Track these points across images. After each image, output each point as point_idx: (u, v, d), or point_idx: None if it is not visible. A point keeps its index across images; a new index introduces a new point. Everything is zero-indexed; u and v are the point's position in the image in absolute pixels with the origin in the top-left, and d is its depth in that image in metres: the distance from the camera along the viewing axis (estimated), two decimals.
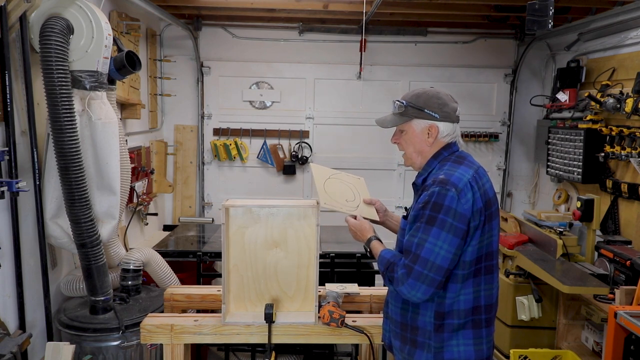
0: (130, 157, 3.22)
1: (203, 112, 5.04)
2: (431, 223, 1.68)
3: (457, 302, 1.77)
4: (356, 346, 3.39)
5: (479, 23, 4.82)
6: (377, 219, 2.18)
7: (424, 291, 1.70)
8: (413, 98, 1.88)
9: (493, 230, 1.81)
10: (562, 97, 4.27)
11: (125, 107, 3.80)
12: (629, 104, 3.40)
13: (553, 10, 2.82)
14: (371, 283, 3.68)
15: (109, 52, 2.62)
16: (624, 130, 3.54)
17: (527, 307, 3.41)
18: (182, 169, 5.12)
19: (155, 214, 4.60)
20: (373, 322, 2.19)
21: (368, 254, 2.02)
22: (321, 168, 2.27)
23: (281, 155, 5.09)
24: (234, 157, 5.04)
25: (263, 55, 4.98)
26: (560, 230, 3.53)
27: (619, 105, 3.52)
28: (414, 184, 1.96)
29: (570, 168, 4.12)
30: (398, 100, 1.91)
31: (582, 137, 3.93)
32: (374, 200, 2.22)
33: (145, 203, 4.18)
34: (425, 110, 1.85)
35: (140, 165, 4.09)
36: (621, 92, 3.62)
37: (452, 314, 1.77)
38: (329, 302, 2.22)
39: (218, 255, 3.61)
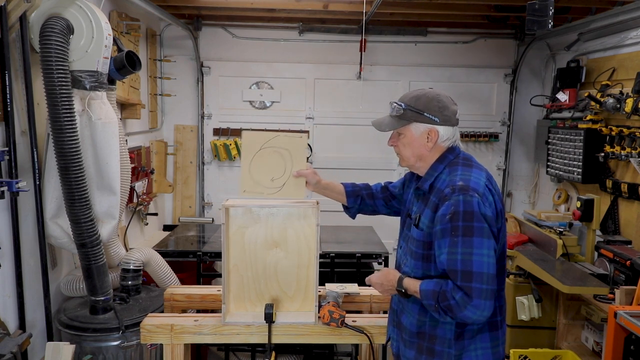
0: (130, 157, 3.22)
1: (203, 112, 5.04)
2: (469, 234, 1.62)
3: None
4: (356, 346, 3.39)
5: (479, 23, 4.82)
6: (301, 197, 2.10)
7: (489, 307, 1.62)
8: (412, 100, 1.80)
9: (505, 231, 1.80)
10: (562, 97, 4.27)
11: (125, 107, 3.80)
12: (629, 104, 3.40)
13: (553, 10, 2.82)
14: None
15: (109, 52, 2.62)
16: (624, 130, 3.53)
17: (527, 307, 3.41)
18: (182, 169, 5.12)
19: (155, 214, 4.60)
20: (373, 322, 2.19)
21: (404, 296, 1.84)
22: (254, 136, 2.09)
23: None
24: (234, 157, 5.04)
25: (263, 55, 4.98)
26: (560, 230, 3.53)
27: (618, 105, 3.52)
28: (417, 189, 1.87)
29: (570, 168, 4.12)
30: (396, 103, 1.83)
31: (582, 137, 3.93)
32: (303, 172, 2.08)
33: (145, 203, 4.18)
34: (425, 114, 1.77)
35: (140, 165, 4.09)
36: (621, 92, 3.62)
37: None
38: (329, 302, 2.22)
39: (218, 255, 3.60)
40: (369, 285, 2.02)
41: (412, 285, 1.79)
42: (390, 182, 2.22)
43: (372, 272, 3.75)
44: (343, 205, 2.24)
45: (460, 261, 1.62)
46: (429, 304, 1.71)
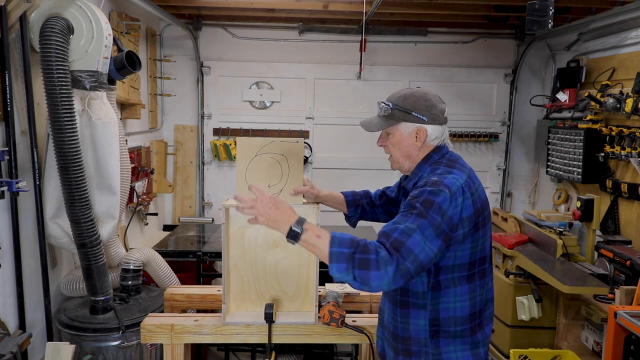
0: (130, 157, 3.22)
1: (203, 112, 5.04)
2: (422, 216, 1.55)
3: (454, 309, 1.70)
4: (356, 346, 3.39)
5: (479, 23, 4.82)
6: (300, 202, 2.09)
7: (396, 282, 1.49)
8: (400, 100, 1.79)
9: (487, 234, 1.74)
10: (562, 97, 4.27)
11: (125, 107, 3.80)
12: (628, 104, 3.40)
13: (553, 10, 2.82)
14: None
15: (109, 52, 2.62)
16: (624, 130, 3.54)
17: (527, 307, 3.41)
18: (182, 169, 5.12)
19: (155, 214, 4.60)
20: (373, 322, 2.19)
21: (294, 238, 1.57)
22: (249, 142, 2.08)
23: None
24: (234, 157, 5.03)
25: (263, 55, 4.98)
26: (560, 230, 3.53)
27: (618, 105, 3.52)
28: (403, 188, 1.88)
29: (570, 168, 4.12)
30: (384, 102, 1.81)
31: (582, 137, 3.93)
32: (300, 189, 2.07)
33: (145, 203, 4.18)
34: (413, 113, 1.76)
35: (140, 165, 4.09)
36: (621, 92, 3.62)
37: (448, 320, 1.71)
38: (329, 302, 2.22)
39: (218, 255, 3.61)
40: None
41: (318, 229, 1.56)
42: (388, 187, 2.22)
43: None
44: (344, 214, 2.24)
45: (401, 231, 1.52)
46: (339, 251, 1.49)
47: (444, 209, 1.58)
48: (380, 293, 2.14)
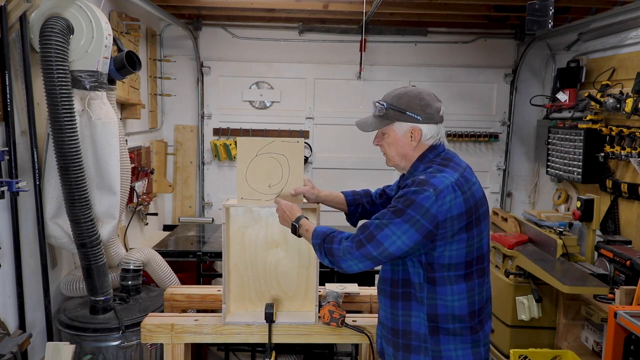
0: (130, 157, 3.22)
1: (203, 112, 5.04)
2: (398, 214, 1.64)
3: (452, 307, 1.72)
4: (356, 346, 3.39)
5: (479, 23, 4.82)
6: (300, 202, 2.11)
7: (364, 267, 1.70)
8: (394, 99, 1.79)
9: (482, 232, 1.74)
10: (562, 97, 4.28)
11: (125, 107, 3.80)
12: (628, 104, 3.40)
13: (553, 10, 2.82)
14: (371, 283, 3.68)
15: (109, 52, 2.62)
16: (624, 130, 3.54)
17: (527, 307, 3.41)
18: (182, 169, 5.12)
19: (155, 214, 4.60)
20: (373, 322, 2.19)
21: (296, 233, 1.91)
22: (250, 142, 2.09)
23: None
24: (234, 157, 5.03)
25: (263, 55, 4.98)
26: (560, 230, 3.53)
27: (618, 105, 3.52)
28: (399, 188, 1.89)
29: (570, 168, 4.12)
30: (378, 102, 1.82)
31: (582, 137, 3.93)
32: (300, 189, 2.08)
33: (145, 203, 4.18)
34: (407, 113, 1.76)
35: (140, 165, 4.09)
36: (621, 92, 3.62)
37: (447, 317, 1.72)
38: (329, 302, 2.22)
39: (218, 255, 3.61)
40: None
41: (308, 225, 1.88)
42: (389, 186, 2.22)
43: (372, 272, 3.75)
44: (345, 213, 2.25)
45: (375, 225, 1.67)
46: (315, 242, 1.81)
47: (425, 207, 1.62)
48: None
